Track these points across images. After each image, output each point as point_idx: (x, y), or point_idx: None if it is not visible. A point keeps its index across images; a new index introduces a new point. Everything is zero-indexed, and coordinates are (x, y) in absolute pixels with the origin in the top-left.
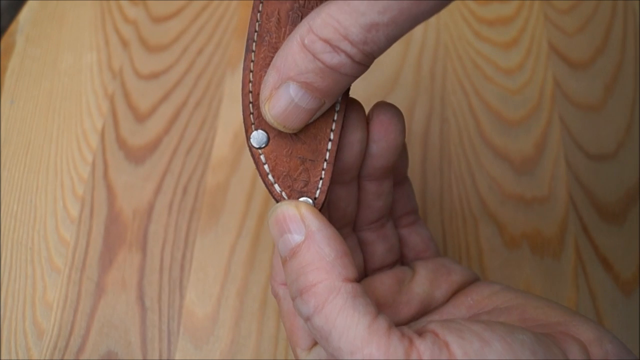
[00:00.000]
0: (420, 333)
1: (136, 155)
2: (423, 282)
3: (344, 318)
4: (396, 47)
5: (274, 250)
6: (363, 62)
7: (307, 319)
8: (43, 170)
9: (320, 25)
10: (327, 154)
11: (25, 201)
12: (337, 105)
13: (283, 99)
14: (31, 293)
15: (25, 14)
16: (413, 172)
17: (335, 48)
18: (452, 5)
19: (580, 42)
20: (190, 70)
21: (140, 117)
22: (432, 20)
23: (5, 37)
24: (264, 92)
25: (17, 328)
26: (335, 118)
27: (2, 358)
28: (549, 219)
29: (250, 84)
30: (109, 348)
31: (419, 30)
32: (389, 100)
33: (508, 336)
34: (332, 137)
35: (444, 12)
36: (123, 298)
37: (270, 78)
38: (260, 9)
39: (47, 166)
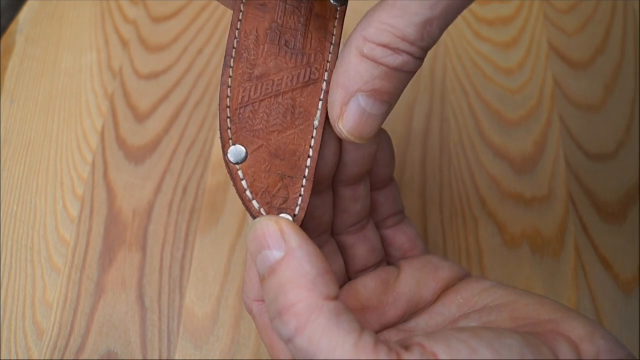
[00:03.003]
0: (407, 347)
1: (136, 155)
2: (409, 282)
3: (329, 338)
4: None
5: (245, 264)
6: (421, 57)
7: (289, 341)
8: (43, 170)
9: (374, 33)
10: (307, 170)
11: (25, 201)
12: (316, 122)
13: (355, 112)
14: (31, 293)
15: (25, 14)
16: (413, 172)
17: (395, 50)
18: None
19: (580, 42)
20: (190, 70)
21: (140, 117)
22: None
23: (5, 37)
24: (335, 112)
25: (17, 328)
26: (314, 135)
27: (2, 358)
28: (549, 219)
29: (228, 99)
30: (109, 348)
31: None
32: None
33: (495, 342)
34: (311, 153)
35: None
36: (123, 298)
37: (338, 96)
38: (238, 26)
39: (47, 166)
